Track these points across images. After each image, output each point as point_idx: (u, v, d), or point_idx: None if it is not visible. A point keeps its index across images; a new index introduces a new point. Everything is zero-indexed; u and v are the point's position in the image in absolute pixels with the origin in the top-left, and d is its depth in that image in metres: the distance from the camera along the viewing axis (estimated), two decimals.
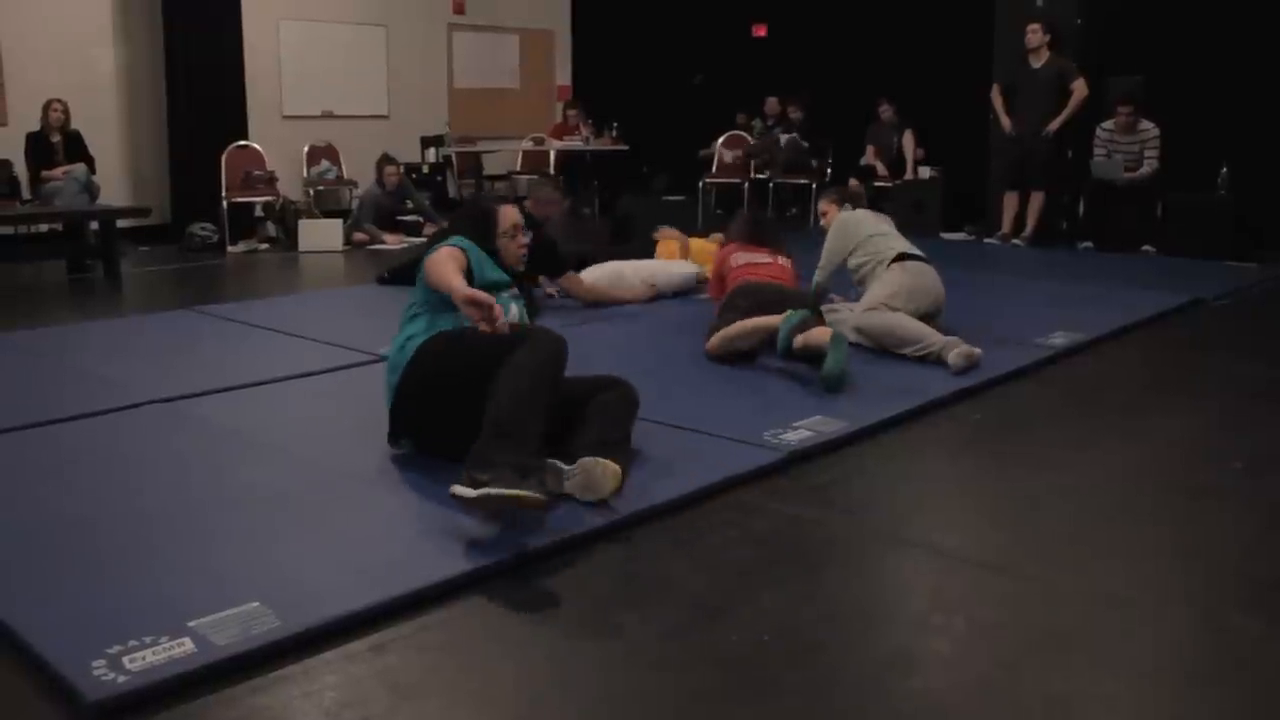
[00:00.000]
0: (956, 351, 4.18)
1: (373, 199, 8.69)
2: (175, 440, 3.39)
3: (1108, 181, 7.95)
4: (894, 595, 2.50)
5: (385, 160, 8.75)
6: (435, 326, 3.11)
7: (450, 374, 2.96)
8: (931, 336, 4.32)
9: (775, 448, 3.24)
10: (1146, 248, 7.81)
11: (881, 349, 4.40)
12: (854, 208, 5.08)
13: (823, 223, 5.15)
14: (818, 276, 4.90)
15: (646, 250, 6.35)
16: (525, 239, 3.41)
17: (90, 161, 7.83)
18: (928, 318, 4.51)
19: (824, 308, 4.81)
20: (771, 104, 10.68)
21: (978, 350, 4.22)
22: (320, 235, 8.38)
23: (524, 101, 11.54)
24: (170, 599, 2.21)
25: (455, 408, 2.86)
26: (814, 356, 4.03)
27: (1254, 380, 4.30)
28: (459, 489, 2.48)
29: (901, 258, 4.63)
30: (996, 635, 2.22)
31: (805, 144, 10.09)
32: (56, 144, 7.74)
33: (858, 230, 4.83)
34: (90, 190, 7.68)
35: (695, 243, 6.46)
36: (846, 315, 4.63)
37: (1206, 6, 7.87)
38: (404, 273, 6.34)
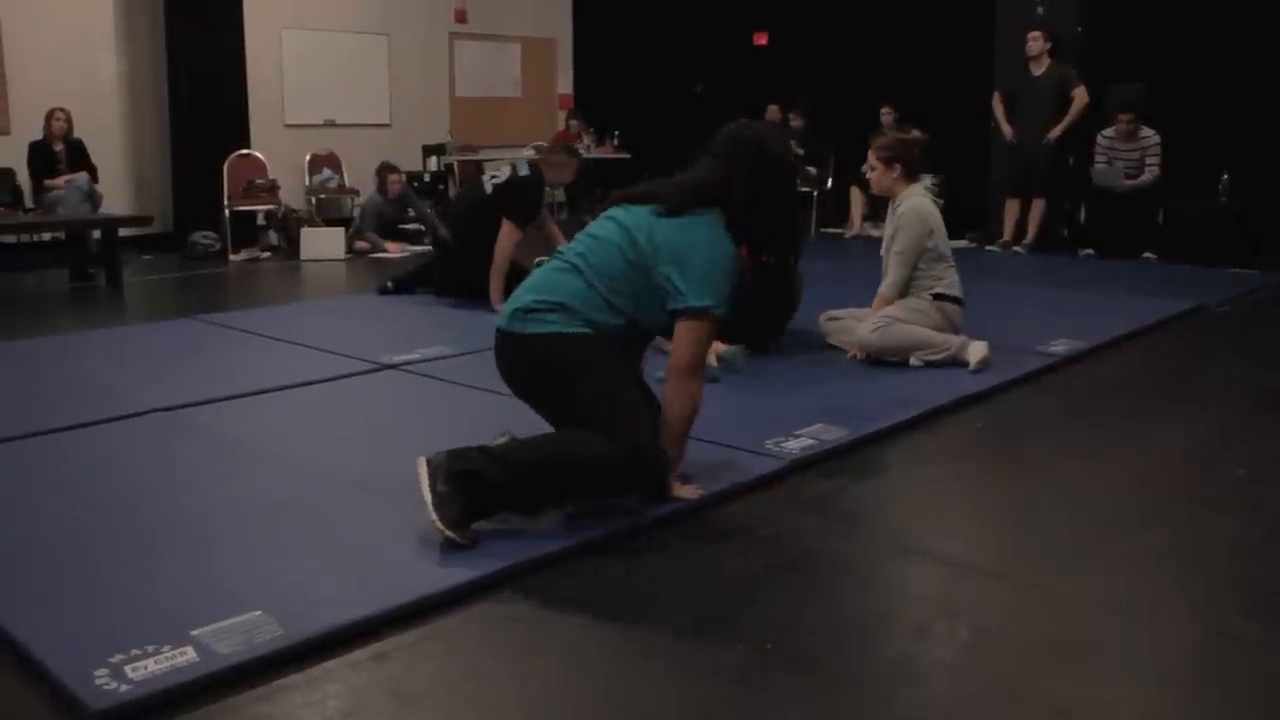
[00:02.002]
0: (976, 356, 4.29)
1: (374, 207, 8.70)
2: (177, 449, 3.39)
3: (1109, 189, 7.96)
4: (896, 603, 2.49)
5: (387, 168, 8.75)
6: (603, 330, 2.74)
7: (561, 376, 2.72)
8: (949, 340, 4.40)
9: (777, 456, 3.24)
10: (1148, 255, 7.82)
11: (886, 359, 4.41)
12: (913, 178, 4.61)
13: (869, 175, 4.70)
14: (891, 292, 4.47)
15: None
16: None
17: (92, 170, 7.85)
18: None
19: (824, 316, 4.81)
20: (772, 112, 10.68)
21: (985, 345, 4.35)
22: (322, 243, 8.39)
23: (525, 110, 11.57)
24: (173, 608, 2.22)
25: (531, 388, 2.83)
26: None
27: (1256, 387, 4.30)
28: (423, 469, 2.54)
29: (940, 297, 4.49)
30: (998, 643, 2.22)
31: (801, 151, 10.09)
32: (59, 153, 7.75)
33: (933, 238, 4.48)
34: (92, 199, 7.69)
35: None
36: (852, 325, 4.62)
37: (1207, 14, 7.88)
38: (408, 282, 6.35)
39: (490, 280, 5.65)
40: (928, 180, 4.80)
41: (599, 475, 2.66)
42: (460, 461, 2.55)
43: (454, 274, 6.06)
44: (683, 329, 2.75)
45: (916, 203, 4.52)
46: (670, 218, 2.78)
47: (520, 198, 5.74)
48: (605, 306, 2.75)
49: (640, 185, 2.98)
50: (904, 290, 4.51)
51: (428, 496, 2.51)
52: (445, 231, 6.11)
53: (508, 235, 5.66)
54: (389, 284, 6.40)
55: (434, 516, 2.50)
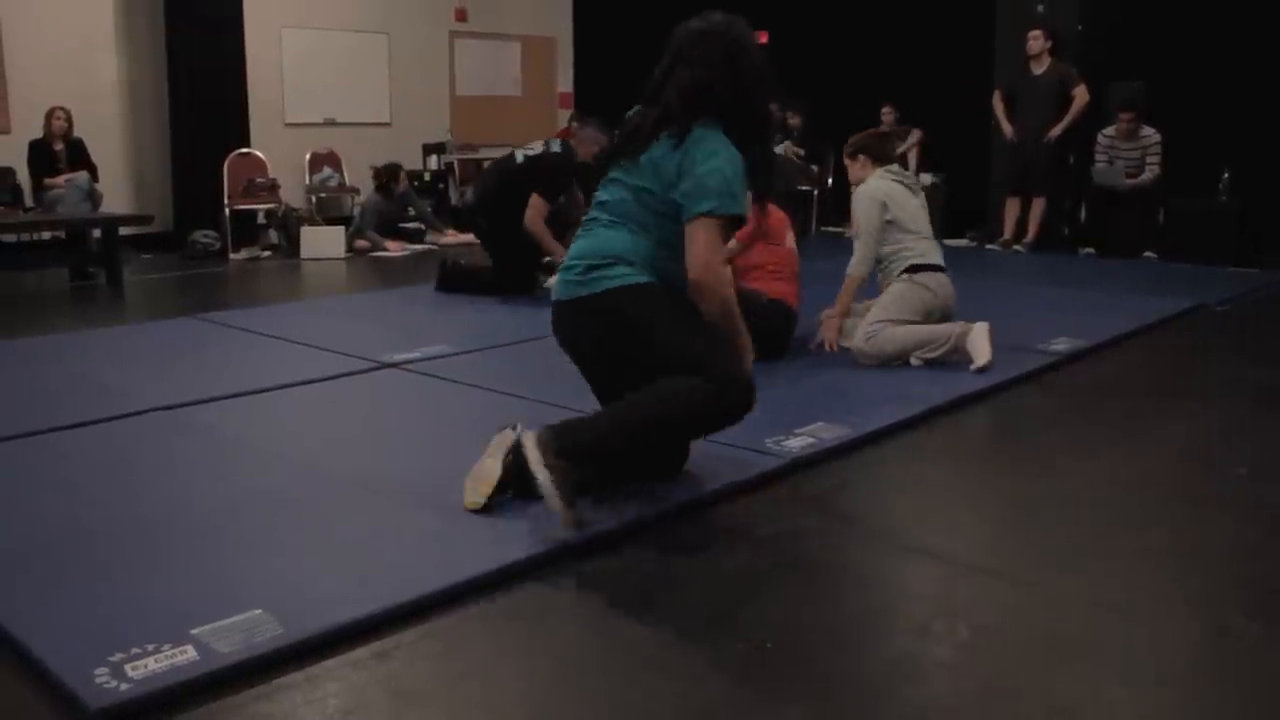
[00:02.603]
0: (981, 358, 4.22)
1: (375, 206, 8.71)
2: (178, 447, 3.39)
3: (1109, 187, 7.96)
4: (896, 602, 2.49)
5: (393, 169, 8.72)
6: (662, 273, 2.81)
7: (638, 326, 2.75)
8: (947, 332, 4.36)
9: (777, 455, 3.24)
10: (1148, 253, 7.82)
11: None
12: (881, 164, 4.65)
13: (850, 177, 4.79)
14: (859, 269, 4.53)
15: None
16: None
17: (93, 169, 7.86)
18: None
19: (825, 313, 4.79)
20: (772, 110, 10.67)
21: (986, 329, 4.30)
22: (322, 242, 8.40)
23: (526, 109, 11.57)
24: (173, 606, 2.22)
25: (607, 346, 2.85)
26: None
27: (1256, 385, 4.30)
28: (530, 447, 2.54)
29: (915, 269, 4.46)
30: (998, 641, 2.22)
31: (801, 151, 10.07)
32: (59, 152, 7.76)
33: (889, 211, 4.47)
34: (92, 198, 7.70)
35: None
36: (847, 327, 4.61)
37: (1207, 13, 7.88)
38: (464, 278, 6.21)
39: (537, 237, 5.79)
40: (902, 169, 4.81)
41: (702, 416, 2.71)
42: (569, 434, 2.59)
43: (496, 265, 6.12)
44: (687, 234, 2.76)
45: (867, 185, 4.58)
46: (672, 152, 2.80)
47: (551, 172, 5.88)
48: (658, 246, 2.82)
49: (626, 128, 2.96)
50: (872, 267, 4.54)
51: (542, 475, 2.51)
52: (471, 197, 6.17)
53: (536, 207, 5.78)
54: (450, 277, 6.26)
55: (554, 493, 2.51)
